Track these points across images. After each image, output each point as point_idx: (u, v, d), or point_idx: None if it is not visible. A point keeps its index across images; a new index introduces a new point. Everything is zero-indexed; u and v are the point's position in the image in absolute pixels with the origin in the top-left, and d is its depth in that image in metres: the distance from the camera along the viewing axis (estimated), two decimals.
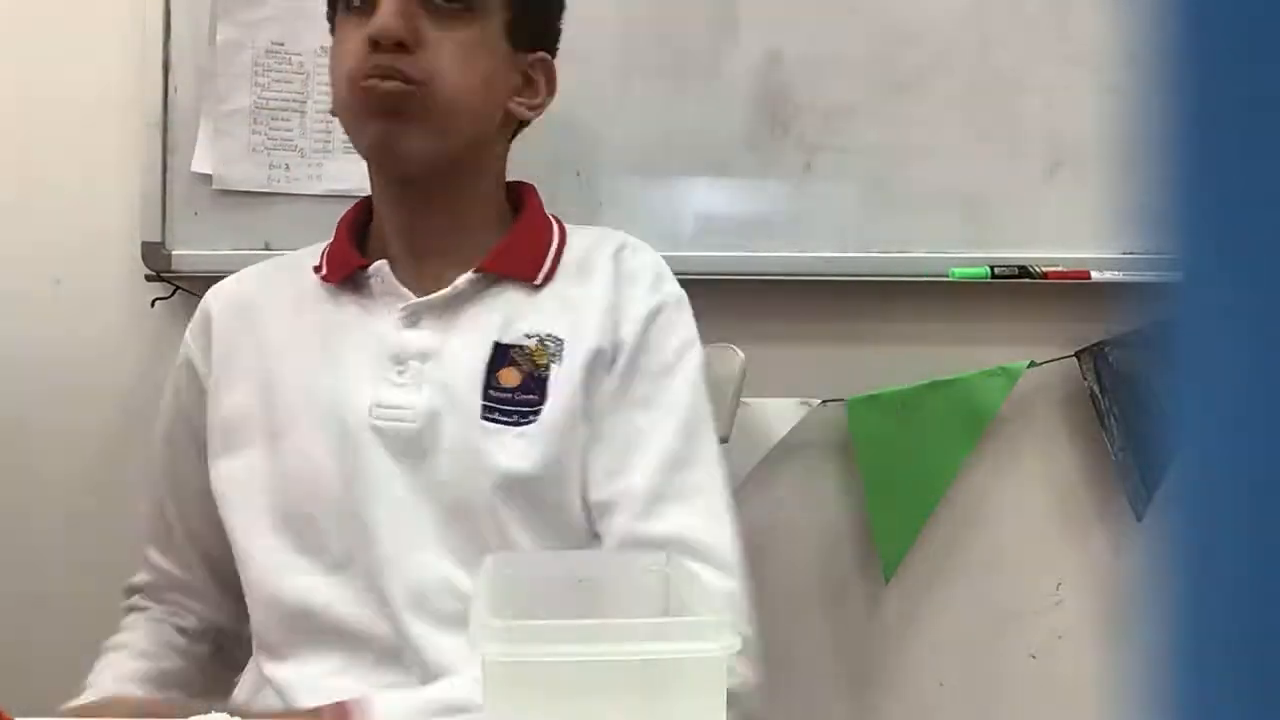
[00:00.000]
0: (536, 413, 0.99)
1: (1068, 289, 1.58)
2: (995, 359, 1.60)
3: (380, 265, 1.04)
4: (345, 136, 1.64)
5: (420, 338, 1.02)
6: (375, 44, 0.97)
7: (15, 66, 1.59)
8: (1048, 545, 1.67)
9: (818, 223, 1.59)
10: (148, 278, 1.57)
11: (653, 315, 1.05)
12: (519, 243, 1.07)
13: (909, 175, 1.58)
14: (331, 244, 1.09)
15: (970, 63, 1.58)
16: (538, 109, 1.11)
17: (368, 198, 1.13)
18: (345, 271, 1.06)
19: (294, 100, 1.56)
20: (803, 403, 1.58)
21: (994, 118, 1.58)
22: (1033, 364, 1.60)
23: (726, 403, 1.32)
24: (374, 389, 1.00)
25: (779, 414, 1.57)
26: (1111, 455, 1.62)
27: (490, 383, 0.99)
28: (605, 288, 1.04)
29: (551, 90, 1.12)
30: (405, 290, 1.03)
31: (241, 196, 1.55)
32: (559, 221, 1.12)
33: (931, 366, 1.60)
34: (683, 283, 1.58)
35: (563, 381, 1.00)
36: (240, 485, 1.02)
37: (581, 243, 1.09)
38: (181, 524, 1.11)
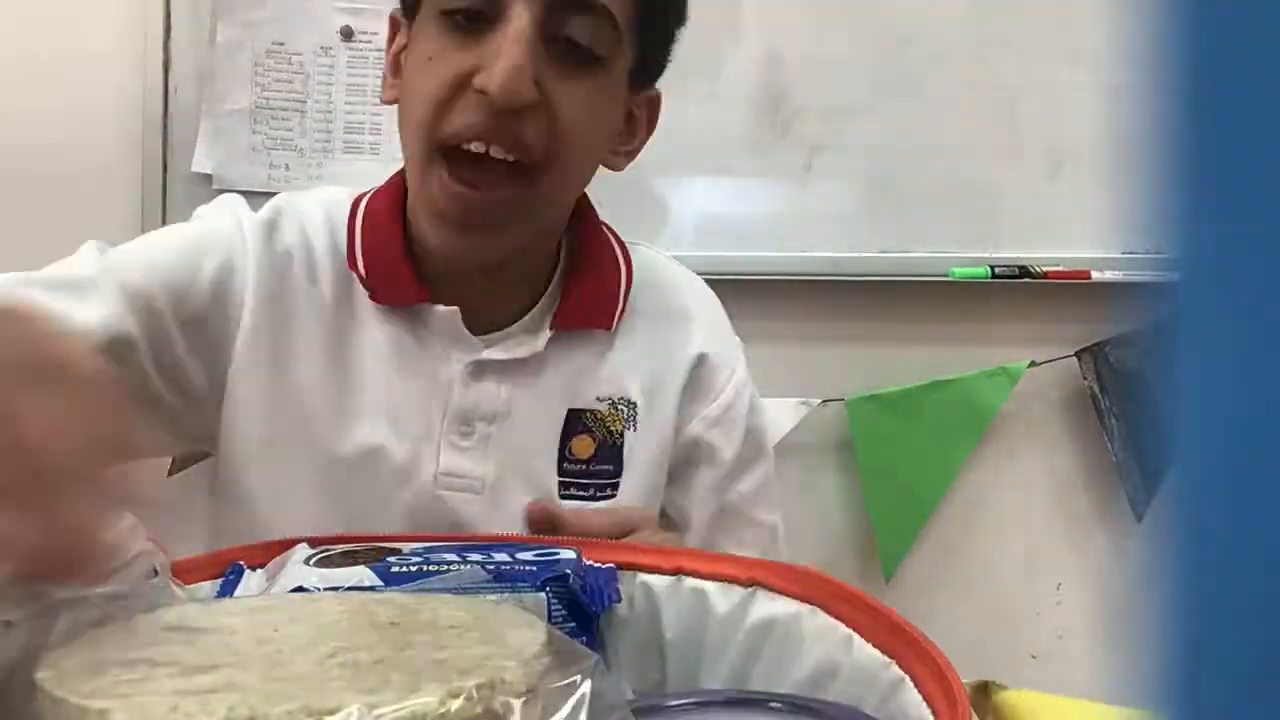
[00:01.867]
0: (615, 486, 0.88)
1: (1068, 289, 1.58)
2: (995, 359, 1.60)
3: (453, 313, 0.85)
4: (345, 137, 1.60)
5: (486, 396, 0.86)
6: (482, 93, 0.75)
7: (15, 66, 1.59)
8: (1048, 545, 1.67)
9: (818, 223, 1.59)
10: None
11: (731, 364, 0.96)
12: (590, 285, 0.90)
13: (909, 175, 1.59)
14: (374, 244, 0.88)
15: (970, 63, 1.58)
16: (632, 155, 0.91)
17: (401, 180, 0.90)
18: (401, 300, 0.86)
19: (294, 100, 1.56)
20: (803, 403, 1.58)
21: (994, 118, 1.59)
22: (1033, 364, 1.60)
23: None
24: (438, 454, 0.86)
25: (779, 414, 1.57)
26: (1111, 455, 1.62)
27: (564, 453, 0.88)
28: (687, 337, 0.93)
29: (650, 130, 0.92)
30: (473, 338, 0.86)
31: (241, 196, 1.55)
32: (616, 238, 0.95)
33: (931, 366, 1.60)
34: None
35: (639, 450, 0.89)
36: (279, 480, 0.86)
37: (643, 275, 0.94)
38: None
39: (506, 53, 0.74)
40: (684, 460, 0.93)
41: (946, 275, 1.57)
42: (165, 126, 1.56)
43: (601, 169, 0.88)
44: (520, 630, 0.43)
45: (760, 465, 0.98)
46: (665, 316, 0.94)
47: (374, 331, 0.87)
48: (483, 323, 0.87)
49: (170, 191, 1.56)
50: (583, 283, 0.90)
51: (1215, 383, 0.16)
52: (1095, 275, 1.56)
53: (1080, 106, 1.55)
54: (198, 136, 1.56)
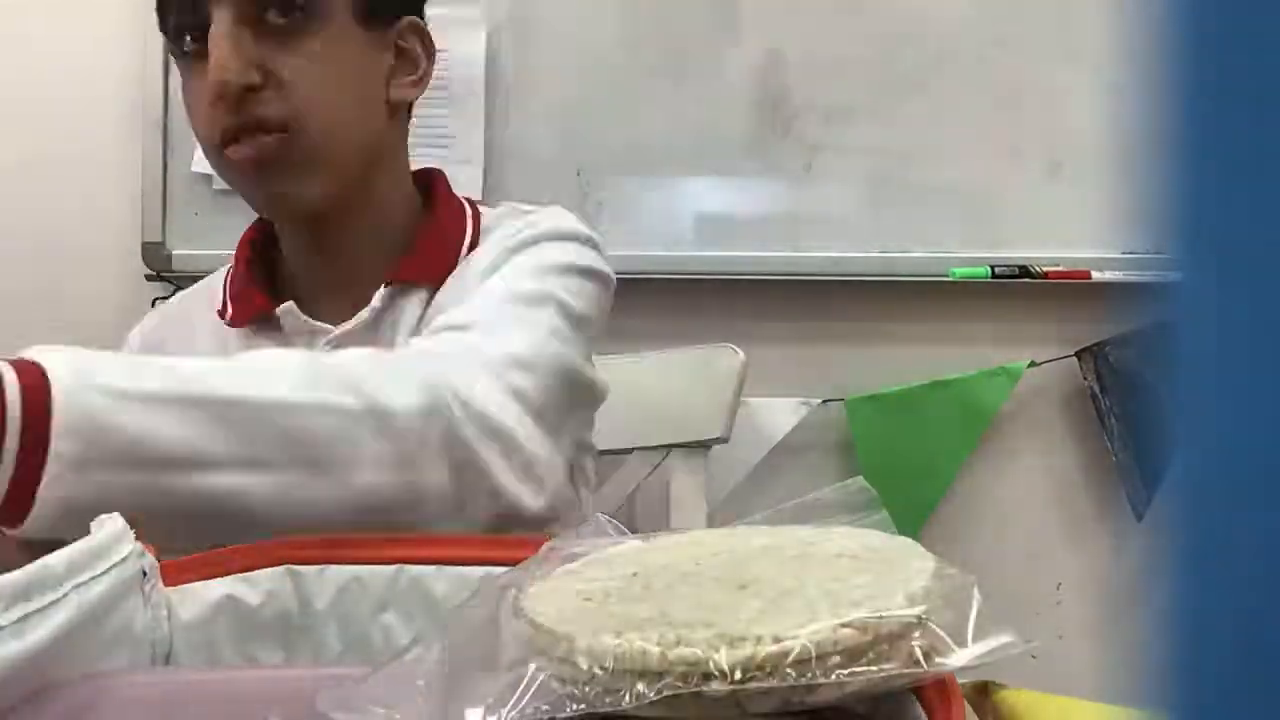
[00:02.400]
0: None
1: (1068, 289, 1.58)
2: (995, 359, 1.60)
3: (288, 308, 0.92)
4: None
5: None
6: (219, 95, 0.83)
7: (15, 67, 1.59)
8: (1048, 545, 1.67)
9: (818, 223, 1.59)
10: (148, 277, 1.57)
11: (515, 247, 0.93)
12: (429, 246, 0.95)
13: (909, 175, 1.59)
14: (233, 282, 0.98)
15: (970, 63, 1.58)
16: (421, 83, 0.96)
17: (260, 224, 1.00)
18: (249, 314, 0.95)
19: None
20: (803, 403, 1.58)
21: (994, 118, 1.59)
22: (1033, 364, 1.60)
23: (726, 403, 1.32)
24: None
25: (779, 414, 1.57)
26: (1111, 455, 1.62)
27: None
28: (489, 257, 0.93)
29: (430, 55, 0.96)
30: (322, 324, 0.93)
31: (241, 196, 1.55)
32: (473, 206, 0.99)
33: (931, 366, 1.60)
34: (683, 283, 1.59)
35: None
36: None
37: (491, 226, 0.98)
38: None
39: (213, 51, 0.83)
40: None
41: (946, 275, 1.57)
42: (165, 126, 1.56)
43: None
44: (909, 561, 0.47)
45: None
46: (491, 249, 0.94)
47: (238, 352, 0.91)
48: (338, 314, 0.93)
49: (170, 191, 1.56)
50: (421, 244, 0.95)
51: (1215, 382, 0.16)
52: (1095, 275, 1.56)
53: (1080, 106, 1.55)
54: None
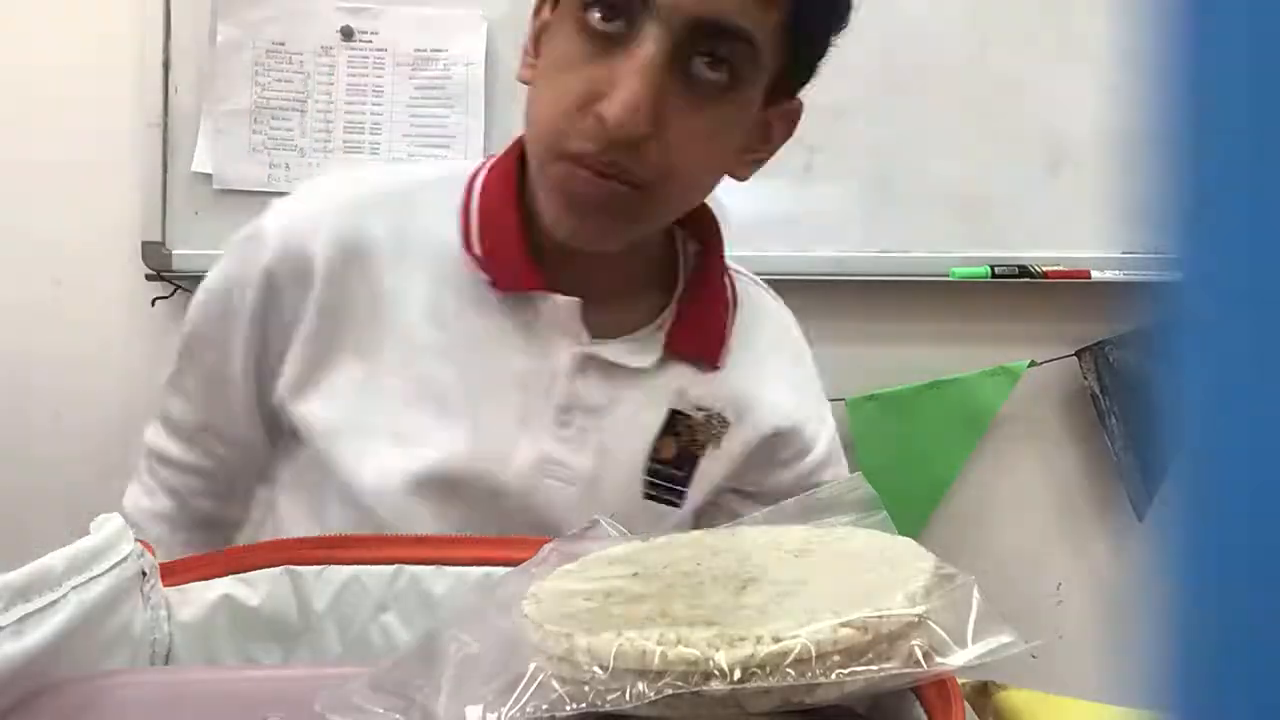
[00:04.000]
0: (681, 494, 0.89)
1: (1068, 289, 1.59)
2: (995, 359, 1.60)
3: (571, 305, 0.85)
4: (345, 137, 1.61)
5: (590, 390, 0.87)
6: (607, 133, 0.73)
7: (15, 67, 1.59)
8: (1048, 545, 1.67)
9: (818, 223, 1.59)
10: (148, 277, 1.57)
11: (822, 423, 0.98)
12: (701, 309, 0.91)
13: (909, 175, 1.59)
14: (494, 231, 0.86)
15: (970, 63, 1.58)
16: (762, 163, 0.89)
17: (520, 158, 0.88)
18: (522, 287, 0.85)
19: (294, 100, 1.56)
20: None
21: (994, 118, 1.59)
22: (1033, 364, 1.60)
23: None
24: (538, 439, 0.85)
25: None
26: (1112, 455, 1.62)
27: (653, 452, 0.88)
28: (777, 381, 0.95)
29: (787, 137, 0.90)
30: (586, 334, 0.86)
31: (241, 196, 1.55)
32: (728, 273, 0.97)
33: (931, 366, 1.60)
34: None
35: (709, 470, 0.90)
36: (368, 461, 0.85)
37: (746, 306, 0.97)
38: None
39: (627, 85, 0.73)
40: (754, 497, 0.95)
41: (946, 275, 1.57)
42: (165, 126, 1.56)
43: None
44: (909, 561, 0.47)
45: None
46: (763, 349, 0.96)
47: (479, 314, 0.86)
48: (591, 319, 0.87)
49: (170, 191, 1.56)
50: (696, 312, 0.91)
51: (1216, 382, 0.16)
52: (1095, 275, 1.56)
53: (1080, 106, 1.55)
54: (198, 136, 1.56)
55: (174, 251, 1.56)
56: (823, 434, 0.97)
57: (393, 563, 0.64)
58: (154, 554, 0.57)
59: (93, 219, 1.60)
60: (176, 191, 1.56)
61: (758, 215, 1.60)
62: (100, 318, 1.62)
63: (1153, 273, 0.17)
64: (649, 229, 0.84)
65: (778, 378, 0.96)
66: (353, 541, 0.65)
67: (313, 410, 0.85)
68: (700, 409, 0.90)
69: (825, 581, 0.45)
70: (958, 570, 0.46)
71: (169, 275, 1.56)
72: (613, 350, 0.87)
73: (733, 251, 1.65)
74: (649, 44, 0.73)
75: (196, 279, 1.63)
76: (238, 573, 0.63)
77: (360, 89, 1.55)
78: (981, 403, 1.60)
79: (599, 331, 0.87)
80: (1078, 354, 1.61)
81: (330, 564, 0.63)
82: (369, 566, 0.64)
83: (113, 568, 0.52)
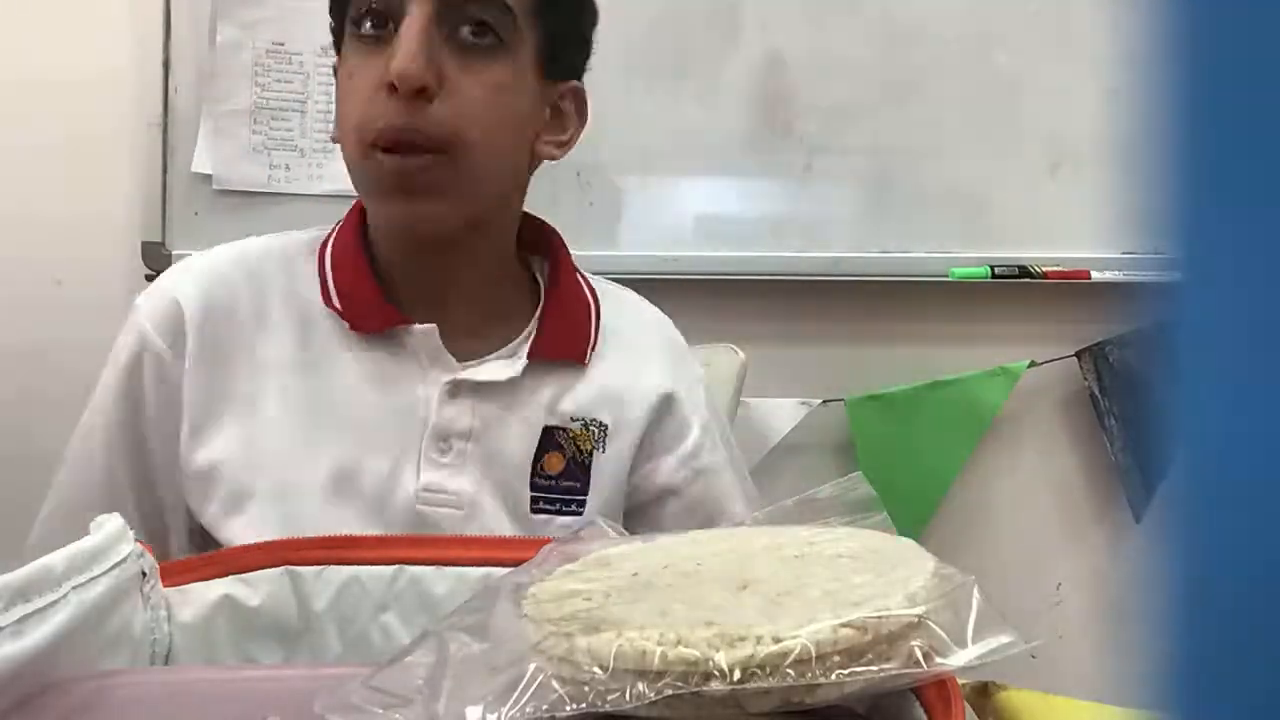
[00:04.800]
0: (581, 503, 0.92)
1: (1068, 289, 1.59)
2: (995, 359, 1.60)
3: (430, 331, 0.90)
4: None
5: (463, 414, 0.90)
6: (392, 88, 0.81)
7: (15, 67, 1.59)
8: (1048, 545, 1.67)
9: (818, 223, 1.59)
10: (148, 277, 1.57)
11: (695, 403, 0.99)
12: (562, 316, 0.96)
13: (909, 175, 1.59)
14: (344, 276, 0.93)
15: (970, 63, 1.58)
16: (567, 146, 0.97)
17: (360, 210, 0.96)
18: (379, 325, 0.90)
19: (294, 100, 1.56)
20: (803, 403, 1.58)
21: (994, 118, 1.59)
22: (1033, 364, 1.60)
23: (726, 403, 1.32)
24: (418, 470, 0.89)
25: (779, 414, 1.57)
26: (1111, 455, 1.62)
27: (535, 469, 0.91)
28: (651, 373, 0.97)
29: (583, 121, 0.98)
30: (451, 359, 0.90)
31: (241, 196, 1.55)
32: (586, 281, 1.01)
33: (931, 366, 1.60)
34: (683, 283, 1.59)
35: (605, 470, 0.93)
36: (254, 513, 0.87)
37: (610, 308, 1.00)
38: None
39: (403, 42, 0.82)
40: (654, 501, 0.97)
41: (946, 275, 1.57)
42: (165, 126, 1.56)
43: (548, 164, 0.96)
44: (909, 561, 0.47)
45: (721, 462, 1.01)
46: (632, 350, 0.98)
47: (347, 359, 0.90)
48: (454, 347, 0.91)
49: (170, 191, 1.56)
50: (557, 319, 0.95)
51: (1215, 382, 0.16)
52: (1095, 275, 1.56)
53: (1080, 106, 1.55)
54: (198, 136, 1.56)
55: (174, 252, 1.56)
56: (695, 418, 0.99)
57: (393, 563, 0.64)
58: (153, 554, 0.57)
59: (93, 219, 1.60)
60: (176, 192, 1.56)
61: (758, 215, 1.60)
62: (100, 318, 1.62)
63: (1153, 273, 0.17)
64: (472, 201, 0.88)
65: (648, 361, 0.98)
66: (352, 542, 0.65)
67: (198, 459, 0.88)
68: (575, 419, 0.93)
69: (825, 582, 0.45)
70: (957, 570, 0.46)
71: None
72: (479, 371, 0.91)
73: (733, 252, 1.65)
74: (415, 14, 0.82)
75: None
76: (237, 573, 0.62)
77: None
78: (981, 403, 1.60)
79: (466, 359, 0.91)
80: (1078, 354, 1.61)
81: (330, 564, 0.63)
82: (369, 567, 0.64)
83: (113, 568, 0.52)
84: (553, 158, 0.96)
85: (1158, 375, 0.17)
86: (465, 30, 0.84)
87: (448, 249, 0.91)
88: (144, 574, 0.55)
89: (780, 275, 1.59)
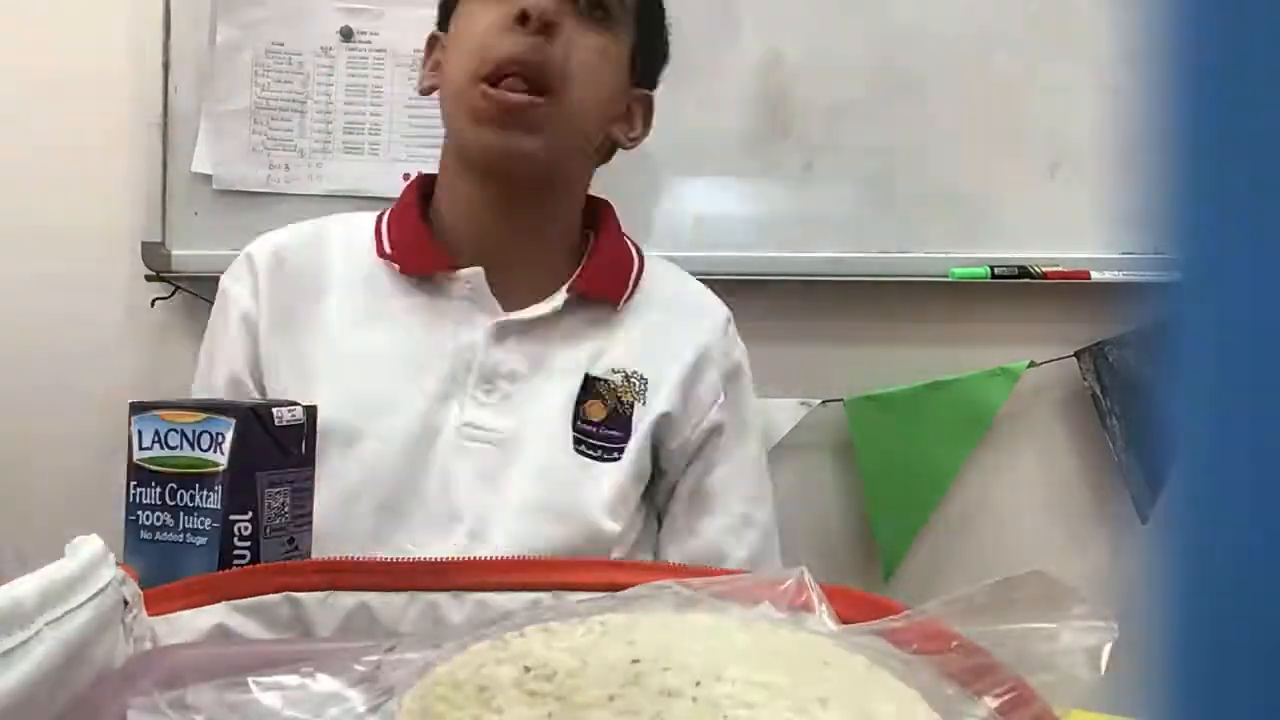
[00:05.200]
0: (621, 450, 0.97)
1: (1068, 289, 1.58)
2: (995, 359, 1.60)
3: (477, 274, 0.97)
4: (345, 137, 1.62)
5: (510, 358, 0.97)
6: (522, 19, 0.91)
7: (14, 67, 1.59)
8: (1048, 545, 1.67)
9: (818, 223, 1.59)
10: (148, 278, 1.57)
11: (734, 376, 1.06)
12: (604, 263, 1.04)
13: (909, 175, 1.58)
14: (400, 228, 1.01)
15: (970, 63, 1.58)
16: (635, 141, 1.08)
17: (424, 178, 1.06)
18: (428, 269, 0.98)
19: (294, 100, 1.56)
20: (803, 403, 1.58)
21: (994, 118, 1.58)
22: (1033, 364, 1.60)
23: None
24: (461, 407, 0.95)
25: (779, 414, 1.57)
26: (1112, 455, 1.62)
27: (578, 413, 0.97)
28: (686, 339, 1.03)
29: (648, 127, 1.09)
30: (496, 304, 0.98)
31: (241, 196, 1.55)
32: (633, 243, 1.10)
33: (931, 366, 1.60)
34: None
35: (643, 423, 0.98)
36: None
37: (657, 270, 1.08)
38: None
39: None
40: (698, 454, 1.03)
41: (946, 275, 1.57)
42: (165, 126, 1.56)
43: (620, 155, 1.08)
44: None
45: (739, 452, 1.07)
46: (673, 308, 1.05)
47: (400, 304, 0.97)
48: (505, 297, 0.98)
49: (170, 191, 1.56)
50: (598, 262, 1.02)
51: (1215, 382, 0.16)
52: (1095, 275, 1.56)
53: (1080, 106, 1.55)
54: (198, 136, 1.56)
55: (174, 252, 1.56)
56: (742, 363, 1.08)
57: (404, 589, 0.58)
58: (137, 579, 0.51)
59: (92, 219, 1.60)
60: (176, 192, 1.56)
61: (757, 215, 1.60)
62: (100, 318, 1.62)
63: (1153, 273, 0.17)
64: (561, 147, 0.96)
65: (686, 320, 1.05)
66: (359, 566, 0.60)
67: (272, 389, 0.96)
68: (616, 370, 0.98)
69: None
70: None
71: (169, 276, 1.56)
72: (523, 312, 0.97)
73: (733, 252, 1.65)
74: None
75: (196, 280, 1.64)
76: (232, 599, 0.57)
77: (360, 89, 1.55)
78: (981, 403, 1.60)
79: (513, 305, 0.98)
80: (1077, 354, 1.61)
81: (335, 589, 0.58)
82: (378, 593, 0.58)
83: (92, 598, 0.46)
84: (623, 144, 1.06)
85: (1158, 376, 0.17)
86: (583, 2, 0.95)
87: (521, 197, 0.98)
88: (126, 602, 0.49)
89: (780, 275, 1.59)
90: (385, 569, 0.59)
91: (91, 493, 1.57)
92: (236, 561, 0.61)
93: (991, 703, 0.40)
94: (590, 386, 0.97)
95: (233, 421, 0.53)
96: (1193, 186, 0.17)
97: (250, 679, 0.42)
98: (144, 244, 1.56)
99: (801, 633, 0.46)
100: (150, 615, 0.52)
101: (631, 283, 1.03)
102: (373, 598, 0.59)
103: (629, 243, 1.08)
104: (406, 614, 0.60)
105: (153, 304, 1.58)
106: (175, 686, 0.42)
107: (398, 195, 1.09)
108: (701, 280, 1.59)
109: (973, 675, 0.43)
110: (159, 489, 0.57)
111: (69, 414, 1.61)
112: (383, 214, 1.04)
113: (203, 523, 0.57)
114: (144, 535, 0.58)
